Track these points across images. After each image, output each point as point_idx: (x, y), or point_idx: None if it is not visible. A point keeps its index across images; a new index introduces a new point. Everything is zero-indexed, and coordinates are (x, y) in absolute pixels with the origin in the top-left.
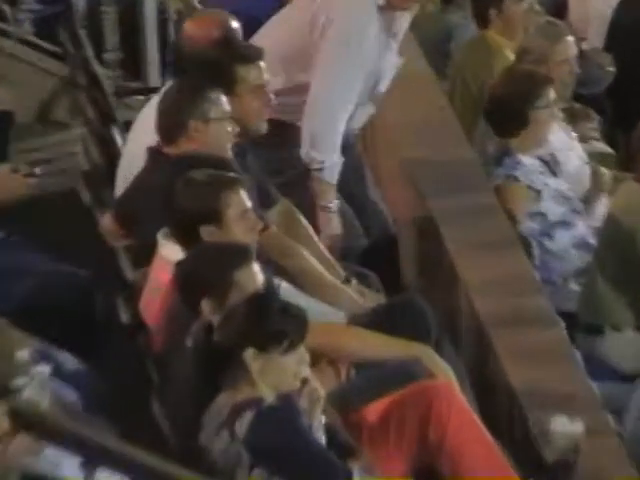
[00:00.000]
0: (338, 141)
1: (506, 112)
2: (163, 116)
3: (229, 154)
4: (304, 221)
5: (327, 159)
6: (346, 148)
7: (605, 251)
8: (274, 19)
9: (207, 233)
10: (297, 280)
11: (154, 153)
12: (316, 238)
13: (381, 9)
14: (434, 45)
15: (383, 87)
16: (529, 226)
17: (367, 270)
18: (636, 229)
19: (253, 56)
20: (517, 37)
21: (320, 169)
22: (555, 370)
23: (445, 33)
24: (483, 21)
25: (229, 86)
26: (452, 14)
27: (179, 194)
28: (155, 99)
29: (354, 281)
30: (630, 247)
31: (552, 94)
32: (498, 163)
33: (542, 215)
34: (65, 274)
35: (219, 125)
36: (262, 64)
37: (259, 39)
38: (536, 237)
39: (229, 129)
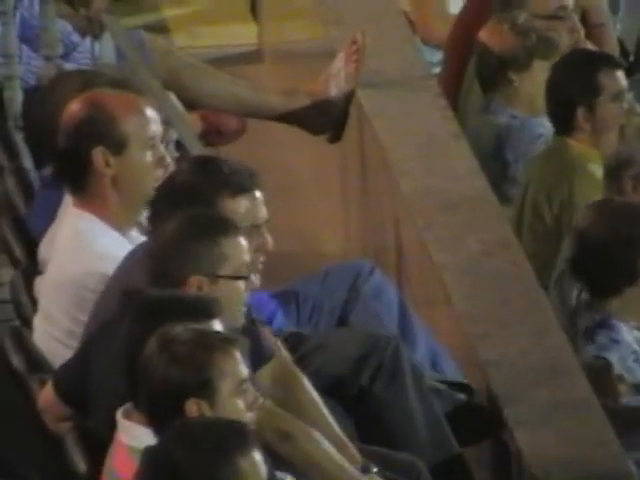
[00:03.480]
0: None
1: (601, 265)
2: (159, 262)
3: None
4: (307, 384)
5: None
6: None
7: None
8: None
9: (194, 410)
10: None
11: (127, 298)
12: (324, 409)
13: None
14: (487, 154)
15: None
16: None
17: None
18: None
19: (247, 185)
20: (609, 147)
21: None
22: None
23: (496, 138)
24: (565, 123)
25: None
26: (498, 114)
27: (155, 359)
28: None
29: (374, 469)
30: None
31: None
32: (589, 336)
33: None
34: None
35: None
36: (258, 195)
37: None
38: None
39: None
